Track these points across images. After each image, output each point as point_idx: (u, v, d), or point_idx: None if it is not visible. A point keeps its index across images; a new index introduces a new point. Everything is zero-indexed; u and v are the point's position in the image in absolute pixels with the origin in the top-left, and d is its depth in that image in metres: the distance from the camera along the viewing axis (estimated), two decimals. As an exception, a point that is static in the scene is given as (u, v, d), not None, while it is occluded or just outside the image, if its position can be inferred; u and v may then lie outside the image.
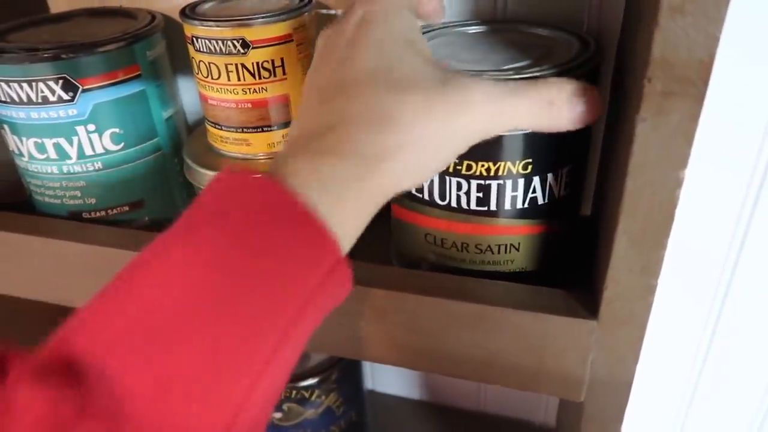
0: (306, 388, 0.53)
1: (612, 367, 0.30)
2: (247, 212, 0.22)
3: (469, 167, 0.30)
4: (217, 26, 0.34)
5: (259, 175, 0.23)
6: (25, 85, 0.36)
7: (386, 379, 0.68)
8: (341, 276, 0.23)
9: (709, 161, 0.42)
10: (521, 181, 0.30)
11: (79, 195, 0.40)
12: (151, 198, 0.42)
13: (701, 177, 0.43)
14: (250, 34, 0.34)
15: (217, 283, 0.21)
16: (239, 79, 0.36)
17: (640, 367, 0.29)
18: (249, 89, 0.36)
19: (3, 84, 0.37)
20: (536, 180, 0.30)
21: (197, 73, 0.37)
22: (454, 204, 0.31)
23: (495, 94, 0.25)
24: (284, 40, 0.35)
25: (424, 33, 0.36)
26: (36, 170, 0.40)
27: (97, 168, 0.40)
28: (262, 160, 0.38)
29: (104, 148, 0.39)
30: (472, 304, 0.30)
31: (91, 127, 0.38)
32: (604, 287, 0.27)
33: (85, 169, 0.39)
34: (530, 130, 0.28)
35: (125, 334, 0.20)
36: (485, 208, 0.31)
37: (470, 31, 0.36)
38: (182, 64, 0.45)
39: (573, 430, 0.39)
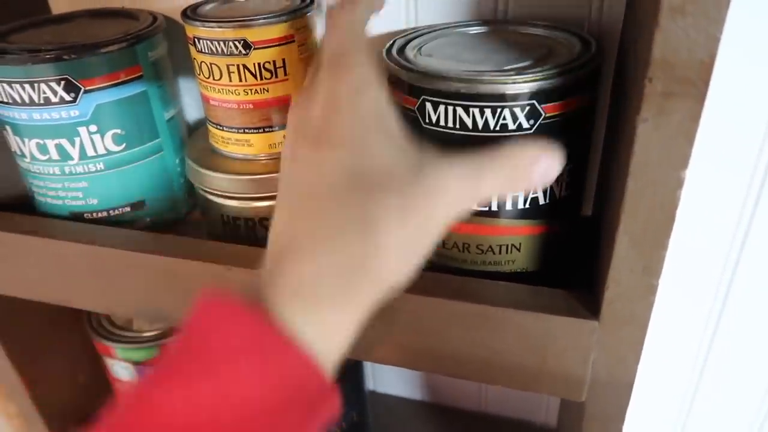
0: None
1: (613, 367, 0.30)
2: (229, 349, 0.22)
3: (470, 168, 0.30)
4: (219, 27, 0.35)
5: (238, 304, 0.22)
6: (27, 86, 0.36)
7: (387, 379, 0.68)
8: (327, 404, 0.23)
9: (710, 161, 0.42)
10: (522, 182, 0.30)
11: (81, 196, 0.40)
12: (153, 199, 0.42)
13: (702, 177, 0.43)
14: (252, 34, 0.34)
15: (202, 427, 0.21)
16: (241, 80, 0.36)
17: (641, 367, 0.29)
18: (250, 90, 0.36)
19: (5, 85, 0.37)
20: (537, 180, 0.30)
21: (199, 74, 0.37)
22: (455, 204, 0.31)
23: (466, 176, 0.25)
24: (286, 40, 0.35)
25: (425, 33, 0.36)
26: (38, 171, 0.40)
27: (98, 169, 0.40)
28: (263, 161, 0.38)
29: (106, 148, 0.39)
30: (473, 305, 0.30)
31: (93, 127, 0.38)
32: (605, 287, 0.27)
33: (86, 170, 0.40)
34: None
35: None
36: (486, 209, 0.31)
37: (472, 32, 0.36)
38: (184, 65, 0.45)
39: (574, 431, 0.39)
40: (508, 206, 0.31)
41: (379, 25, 0.41)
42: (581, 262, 0.34)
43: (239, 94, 0.36)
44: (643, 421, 0.57)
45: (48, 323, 0.55)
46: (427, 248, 0.25)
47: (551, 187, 0.31)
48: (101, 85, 0.37)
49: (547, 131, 0.29)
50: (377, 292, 0.24)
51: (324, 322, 0.23)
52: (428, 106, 0.29)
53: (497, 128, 0.29)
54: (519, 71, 0.29)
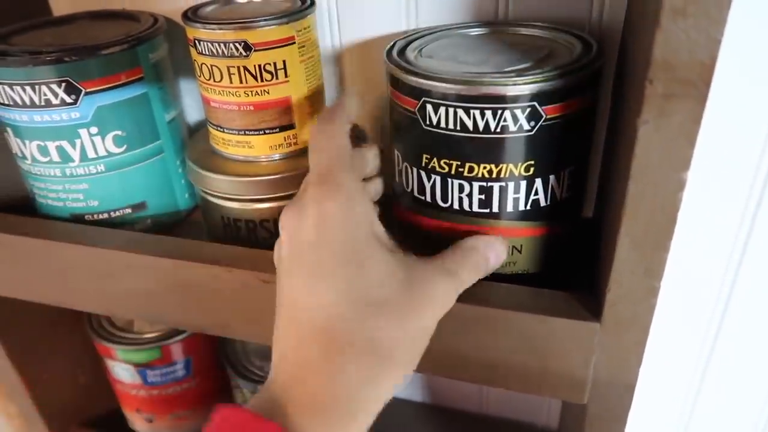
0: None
1: (615, 369, 0.29)
2: None
3: (471, 169, 0.30)
4: (220, 29, 0.35)
5: (256, 419, 0.24)
6: (27, 88, 0.37)
7: (388, 381, 0.68)
8: None
9: (711, 163, 0.42)
10: (523, 183, 0.30)
11: (82, 197, 0.40)
12: (154, 200, 0.42)
13: (704, 179, 0.43)
14: (252, 36, 0.34)
15: None
16: (241, 82, 0.36)
17: (643, 369, 0.29)
18: (251, 92, 0.36)
19: (6, 87, 0.37)
20: (538, 182, 0.30)
21: (199, 76, 0.37)
22: (456, 206, 0.31)
23: (449, 280, 0.28)
24: (286, 42, 0.35)
25: (425, 35, 0.36)
26: (39, 173, 0.40)
27: (99, 170, 0.40)
28: (264, 163, 0.38)
29: (107, 150, 0.39)
30: (474, 307, 0.30)
31: (94, 129, 0.38)
32: (606, 289, 0.27)
33: (87, 172, 0.40)
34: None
35: None
36: (487, 210, 0.31)
37: (472, 33, 0.36)
38: (184, 67, 0.45)
39: (575, 433, 0.38)
40: (509, 208, 0.31)
41: (380, 26, 0.41)
42: (582, 264, 0.34)
43: (240, 95, 0.36)
44: (645, 424, 0.57)
45: (49, 324, 0.55)
46: (424, 348, 0.28)
47: (552, 188, 0.31)
48: (102, 87, 0.37)
49: (547, 133, 0.29)
50: (386, 399, 0.27)
51: None
52: (429, 107, 0.29)
53: (498, 130, 0.29)
54: (520, 73, 0.29)
